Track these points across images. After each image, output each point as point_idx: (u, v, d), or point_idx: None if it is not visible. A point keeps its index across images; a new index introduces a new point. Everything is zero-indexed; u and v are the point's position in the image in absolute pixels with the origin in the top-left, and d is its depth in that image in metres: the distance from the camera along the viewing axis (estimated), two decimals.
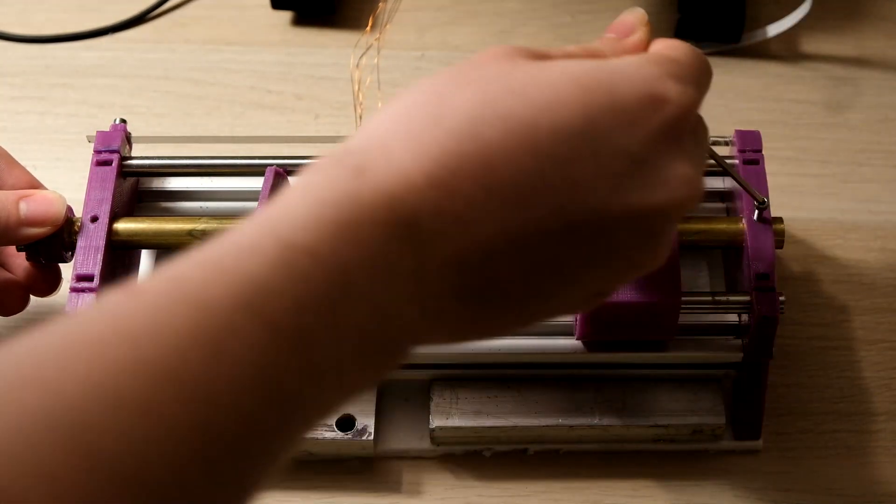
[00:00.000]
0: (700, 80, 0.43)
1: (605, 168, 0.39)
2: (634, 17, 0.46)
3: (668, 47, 0.44)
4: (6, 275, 0.58)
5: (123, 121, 0.61)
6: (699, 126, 0.44)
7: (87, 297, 0.54)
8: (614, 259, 0.40)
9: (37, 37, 0.77)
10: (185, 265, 0.34)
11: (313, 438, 0.57)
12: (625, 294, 0.54)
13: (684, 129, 0.41)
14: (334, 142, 0.64)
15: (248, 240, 0.34)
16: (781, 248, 0.57)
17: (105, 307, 0.33)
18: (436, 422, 0.57)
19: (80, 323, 0.32)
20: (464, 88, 0.39)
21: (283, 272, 0.33)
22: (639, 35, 0.46)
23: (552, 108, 0.38)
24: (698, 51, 0.44)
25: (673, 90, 0.40)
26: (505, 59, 0.41)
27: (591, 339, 0.57)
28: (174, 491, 0.30)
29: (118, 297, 0.33)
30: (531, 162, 0.38)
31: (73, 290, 0.54)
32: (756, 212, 0.56)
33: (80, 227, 0.56)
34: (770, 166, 0.59)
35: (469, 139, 0.37)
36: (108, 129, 0.60)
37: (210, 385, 0.31)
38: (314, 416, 0.35)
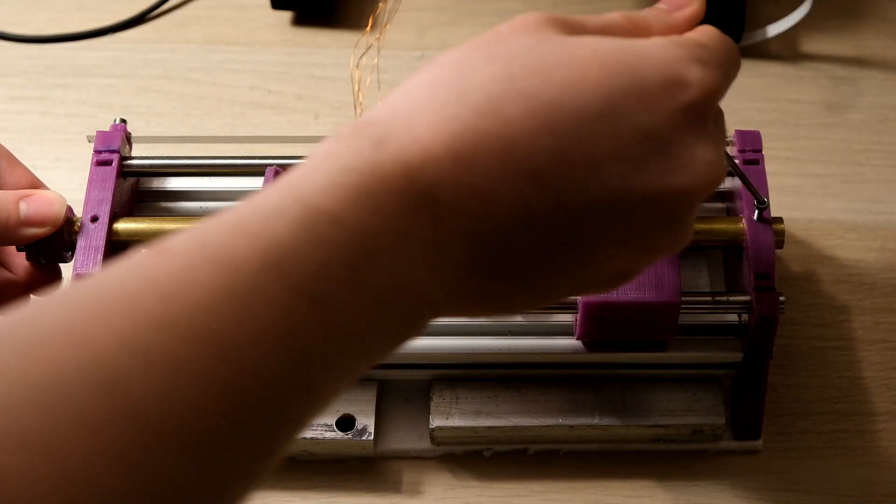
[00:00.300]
0: (726, 66, 0.43)
1: (626, 149, 0.39)
2: None
3: (698, 31, 0.44)
4: (6, 275, 0.58)
5: (123, 121, 0.61)
6: (720, 112, 0.44)
7: None
8: (635, 240, 0.40)
9: (37, 37, 0.77)
10: (211, 227, 0.34)
11: (313, 438, 0.57)
12: (625, 294, 0.54)
13: (707, 113, 0.41)
14: None
15: (272, 203, 0.35)
16: (781, 248, 0.57)
17: (134, 265, 0.33)
18: (436, 422, 0.57)
19: (112, 280, 0.32)
20: (488, 63, 0.39)
21: (307, 236, 0.34)
22: (691, 9, 0.45)
23: (574, 89, 0.38)
24: (727, 37, 0.44)
25: (696, 74, 0.40)
26: (533, 32, 0.40)
27: (591, 339, 0.57)
28: (204, 445, 0.30)
29: (147, 256, 0.33)
30: (551, 141, 0.38)
31: None
32: (756, 212, 0.56)
33: (80, 227, 0.56)
34: (770, 166, 0.59)
35: (490, 116, 0.38)
36: (108, 129, 0.60)
37: (236, 344, 0.31)
38: (338, 381, 0.35)
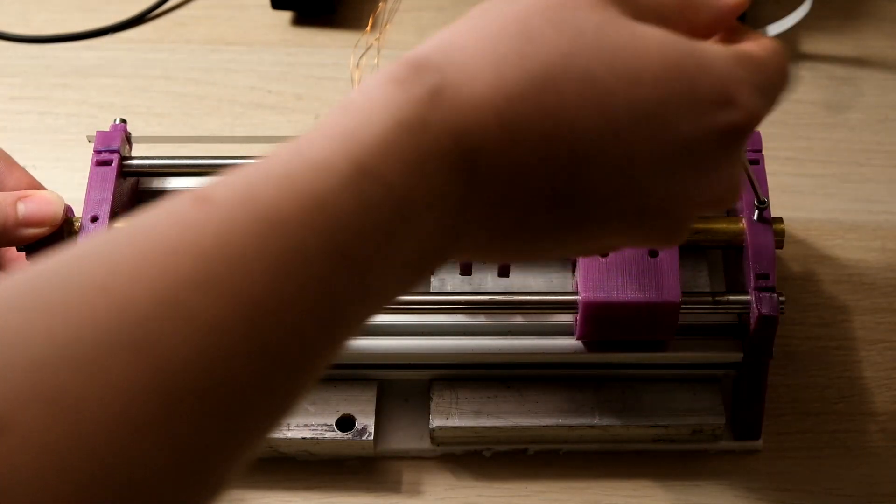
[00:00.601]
0: (777, 94, 0.43)
1: (662, 155, 0.39)
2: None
3: (763, 49, 0.43)
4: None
5: (123, 121, 0.61)
6: None
7: None
8: (635, 232, 0.41)
9: (37, 37, 0.77)
10: (256, 176, 0.33)
11: (313, 438, 0.57)
12: (625, 294, 0.54)
13: (744, 139, 0.41)
14: None
15: (322, 157, 0.34)
16: (781, 248, 0.57)
17: (174, 215, 0.32)
18: (436, 422, 0.57)
19: (150, 231, 0.32)
20: (554, 31, 0.38)
21: (354, 197, 0.34)
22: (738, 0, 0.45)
23: (632, 84, 0.38)
24: (788, 63, 0.44)
25: (748, 100, 0.40)
26: (600, 8, 0.40)
27: (591, 339, 0.57)
28: (234, 408, 0.30)
29: (187, 204, 0.32)
30: (597, 132, 0.38)
31: None
32: (756, 212, 0.56)
33: (80, 227, 0.56)
34: (770, 166, 0.59)
35: (547, 90, 0.37)
36: (108, 129, 0.60)
37: (273, 307, 0.31)
38: (354, 332, 0.36)
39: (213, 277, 0.31)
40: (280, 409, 0.33)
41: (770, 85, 0.42)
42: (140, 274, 0.30)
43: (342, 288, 0.33)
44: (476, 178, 0.37)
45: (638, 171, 0.39)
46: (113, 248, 0.31)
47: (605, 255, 0.45)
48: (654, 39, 0.40)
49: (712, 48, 0.41)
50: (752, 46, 0.44)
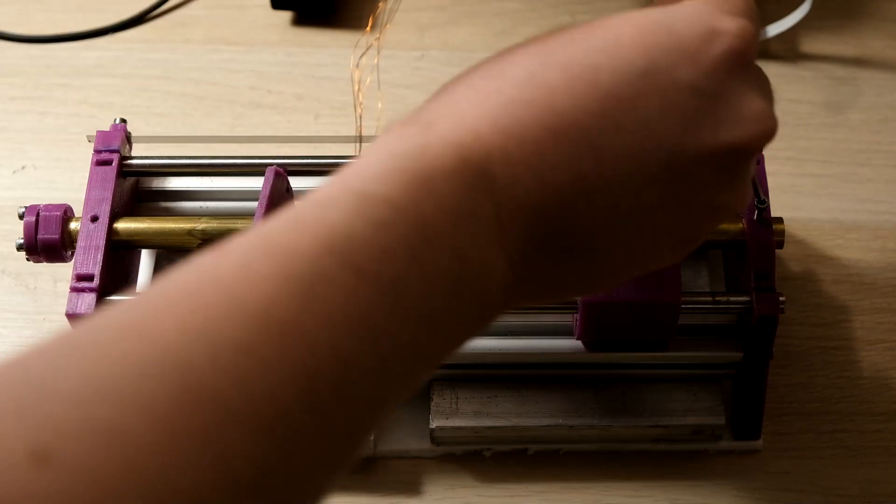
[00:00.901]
0: (752, 15, 0.43)
1: (674, 106, 0.38)
2: None
3: None
4: None
5: (123, 121, 0.61)
6: (760, 69, 0.43)
7: (88, 297, 0.54)
8: (694, 201, 0.40)
9: (37, 37, 0.77)
10: (268, 223, 0.34)
11: None
12: (625, 294, 0.54)
13: (749, 61, 0.41)
14: (334, 142, 0.64)
15: (326, 195, 0.35)
16: (781, 248, 0.57)
17: (194, 265, 0.33)
18: (436, 422, 0.57)
19: (174, 280, 0.33)
20: (524, 49, 0.40)
21: (364, 220, 0.34)
22: None
23: (612, 51, 0.38)
24: None
25: (729, 22, 0.40)
26: (565, 27, 0.41)
27: (591, 339, 0.57)
28: (281, 428, 0.30)
29: (205, 257, 0.33)
30: (596, 103, 0.38)
31: (73, 289, 0.54)
32: (756, 212, 0.56)
33: (80, 227, 0.56)
34: (770, 166, 0.59)
35: (531, 86, 0.38)
36: (108, 129, 0.60)
37: (304, 326, 0.31)
38: (415, 364, 0.35)
39: (238, 305, 0.31)
40: (338, 431, 0.32)
41: (739, 6, 0.42)
42: (165, 311, 0.31)
43: (373, 305, 0.33)
44: (499, 190, 0.36)
45: (660, 132, 0.38)
46: (144, 297, 0.32)
47: (683, 254, 0.42)
48: (617, 16, 0.40)
49: (676, 4, 0.41)
50: None
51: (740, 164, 0.40)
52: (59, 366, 0.29)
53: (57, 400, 0.28)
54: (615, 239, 0.39)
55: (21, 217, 0.57)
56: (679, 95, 0.39)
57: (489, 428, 0.57)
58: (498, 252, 0.37)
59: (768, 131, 0.41)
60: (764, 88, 0.42)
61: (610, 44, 0.39)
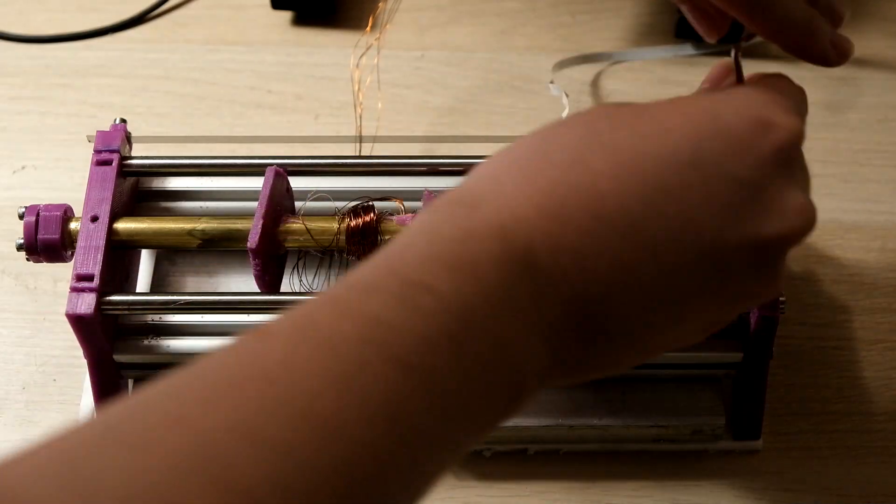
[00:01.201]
0: (802, 112, 0.43)
1: (717, 196, 0.38)
2: (722, 65, 0.46)
3: (770, 78, 0.44)
4: None
5: (123, 121, 0.61)
6: (804, 159, 0.43)
7: (88, 297, 0.54)
8: (730, 290, 0.40)
9: (37, 37, 0.77)
10: (312, 306, 0.34)
11: None
12: None
13: (795, 157, 0.40)
14: (334, 142, 0.64)
15: (369, 280, 0.35)
16: None
17: (238, 349, 0.33)
18: None
19: (218, 364, 0.32)
20: (570, 128, 0.39)
21: (405, 309, 0.34)
22: (732, 78, 0.46)
23: (657, 137, 0.38)
24: (796, 84, 0.44)
25: (782, 116, 0.40)
26: (612, 107, 0.41)
27: None
28: None
29: (249, 340, 0.33)
30: (639, 189, 0.37)
31: (73, 289, 0.54)
32: None
33: (80, 227, 0.56)
34: None
35: (576, 169, 0.37)
36: (108, 129, 0.60)
37: (343, 423, 0.31)
38: (444, 456, 0.35)
39: (281, 400, 0.31)
40: None
41: (793, 101, 0.42)
42: (209, 403, 0.31)
43: (412, 399, 0.33)
44: (541, 275, 0.36)
45: (702, 223, 0.38)
46: (186, 382, 0.32)
47: (707, 335, 0.42)
48: (664, 101, 0.40)
49: (723, 89, 0.41)
50: (759, 76, 0.44)
51: (778, 256, 0.40)
52: (103, 465, 0.29)
53: (107, 499, 0.28)
54: (649, 324, 0.39)
55: (21, 217, 0.57)
56: (724, 186, 0.38)
57: None
58: (536, 338, 0.36)
59: (808, 226, 0.40)
60: (805, 180, 0.42)
61: (655, 131, 0.38)
